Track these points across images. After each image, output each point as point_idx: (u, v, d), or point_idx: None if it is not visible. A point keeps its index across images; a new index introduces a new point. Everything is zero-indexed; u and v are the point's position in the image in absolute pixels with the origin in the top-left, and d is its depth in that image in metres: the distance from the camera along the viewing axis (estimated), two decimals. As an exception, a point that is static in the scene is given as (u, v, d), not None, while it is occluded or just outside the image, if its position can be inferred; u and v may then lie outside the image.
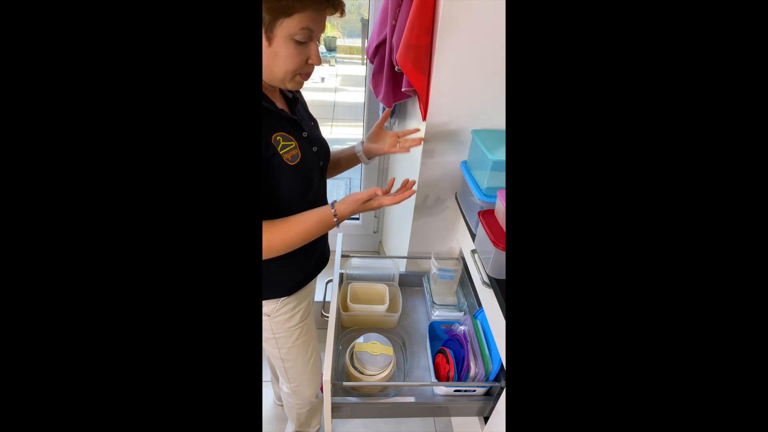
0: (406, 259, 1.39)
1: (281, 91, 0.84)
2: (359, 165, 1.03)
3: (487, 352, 1.03)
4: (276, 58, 0.68)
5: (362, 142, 1.01)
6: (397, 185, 0.85)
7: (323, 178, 0.90)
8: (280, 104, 0.81)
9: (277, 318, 0.92)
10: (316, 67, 0.75)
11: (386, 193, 0.80)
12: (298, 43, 0.68)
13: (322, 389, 1.06)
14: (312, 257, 0.93)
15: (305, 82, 0.77)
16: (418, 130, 1.01)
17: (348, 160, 1.02)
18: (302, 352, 1.00)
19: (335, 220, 0.79)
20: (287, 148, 0.76)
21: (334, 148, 0.96)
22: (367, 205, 0.80)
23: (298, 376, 1.04)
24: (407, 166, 1.35)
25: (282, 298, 0.90)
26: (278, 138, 0.75)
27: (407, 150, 0.99)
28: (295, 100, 0.85)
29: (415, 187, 0.84)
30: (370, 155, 1.01)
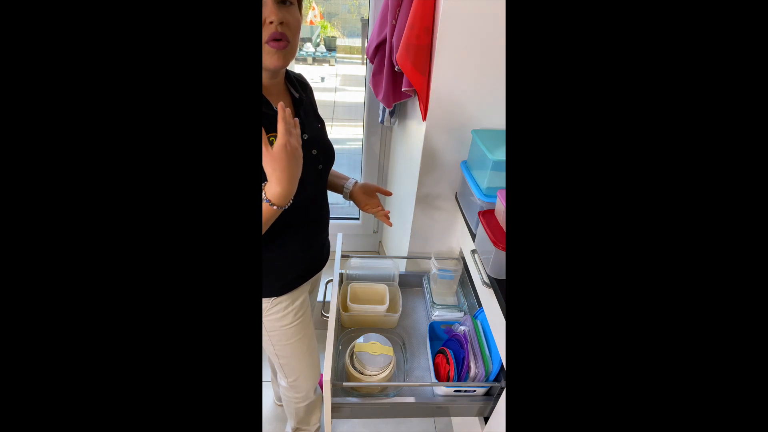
0: (406, 259, 1.39)
1: (288, 91, 0.82)
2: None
3: (487, 352, 1.03)
4: None
5: (356, 182, 1.01)
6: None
7: (321, 180, 0.89)
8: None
9: (270, 317, 0.92)
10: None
11: None
12: None
13: (321, 386, 1.06)
14: (304, 258, 0.92)
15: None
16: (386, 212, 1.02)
17: (335, 186, 1.01)
18: (298, 349, 1.00)
19: (267, 202, 0.66)
20: None
21: (339, 165, 0.96)
22: (275, 149, 0.62)
23: (294, 371, 1.04)
24: (407, 166, 1.35)
25: (272, 298, 0.89)
26: (272, 139, 0.73)
27: (383, 218, 1.01)
28: (301, 100, 0.82)
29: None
30: (355, 200, 1.00)
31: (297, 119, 0.67)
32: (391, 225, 1.02)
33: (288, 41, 0.69)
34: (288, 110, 0.64)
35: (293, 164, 0.64)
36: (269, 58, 0.69)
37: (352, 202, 1.01)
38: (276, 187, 0.65)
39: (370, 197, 1.00)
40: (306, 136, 0.80)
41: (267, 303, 0.90)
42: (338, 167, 1.00)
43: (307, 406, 1.15)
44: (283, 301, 0.91)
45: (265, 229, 0.71)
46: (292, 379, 1.06)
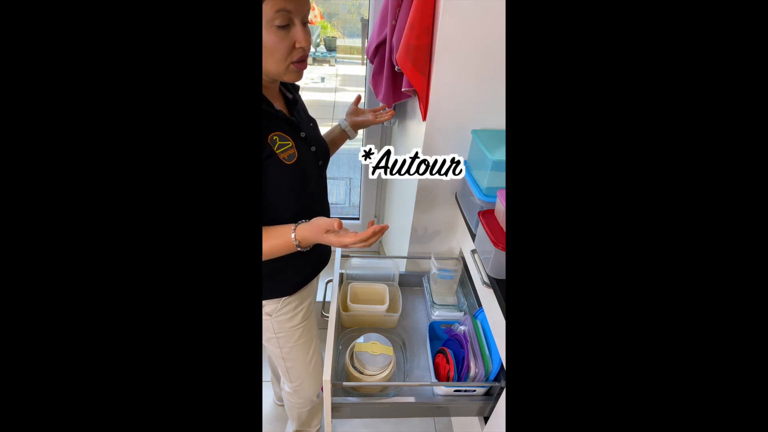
0: (406, 259, 1.39)
1: (282, 93, 0.85)
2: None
3: (487, 352, 1.03)
4: (262, 50, 0.68)
5: (344, 119, 1.05)
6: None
7: (322, 177, 0.91)
8: (279, 105, 0.81)
9: (279, 318, 0.92)
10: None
11: (340, 228, 0.74)
12: (280, 28, 0.67)
13: (323, 389, 1.06)
14: (310, 257, 0.92)
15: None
16: (390, 111, 1.07)
17: (340, 136, 1.05)
18: (303, 352, 1.01)
19: (296, 245, 0.75)
20: (283, 147, 0.76)
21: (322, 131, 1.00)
22: (325, 237, 0.74)
23: (299, 376, 1.05)
24: (407, 166, 1.35)
25: (283, 298, 0.91)
26: (274, 138, 0.75)
27: (388, 118, 1.05)
28: (294, 101, 0.85)
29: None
30: (356, 128, 1.05)
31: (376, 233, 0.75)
32: (393, 113, 1.06)
33: (307, 59, 0.75)
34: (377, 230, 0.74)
35: (324, 242, 0.75)
36: (292, 75, 0.74)
37: (352, 132, 1.06)
38: (309, 237, 0.75)
39: (361, 114, 1.05)
40: (303, 135, 0.82)
41: (277, 303, 0.91)
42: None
43: (309, 410, 1.16)
44: (293, 301, 0.93)
45: (274, 256, 0.77)
46: (296, 383, 1.07)
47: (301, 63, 0.73)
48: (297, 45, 0.69)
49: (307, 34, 0.71)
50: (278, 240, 0.75)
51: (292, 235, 0.75)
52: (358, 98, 1.06)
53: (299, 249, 0.76)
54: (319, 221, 0.74)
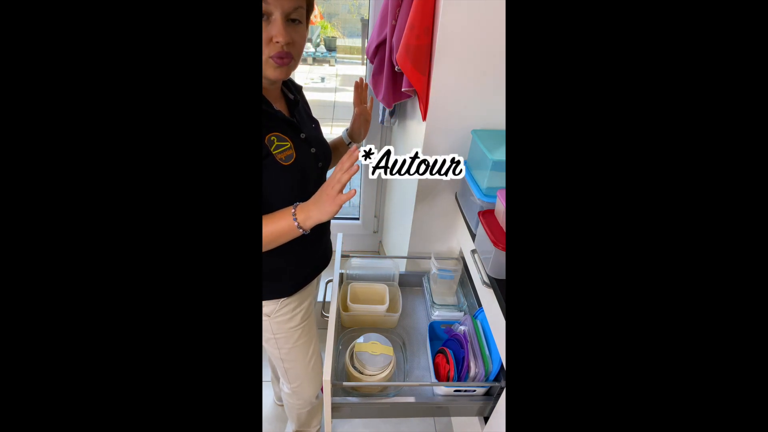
0: (406, 259, 1.39)
1: (283, 93, 0.84)
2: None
3: (487, 352, 1.03)
4: None
5: (346, 130, 1.05)
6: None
7: (322, 178, 0.90)
8: (279, 105, 0.81)
9: (278, 318, 0.92)
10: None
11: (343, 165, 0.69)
12: None
13: (322, 390, 1.06)
14: (313, 257, 0.93)
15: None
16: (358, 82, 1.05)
17: (344, 147, 1.05)
18: (303, 353, 1.00)
19: (293, 212, 0.72)
20: (281, 148, 0.76)
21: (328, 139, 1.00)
22: (330, 196, 0.69)
23: (298, 377, 1.05)
24: (407, 166, 1.35)
25: (282, 299, 0.90)
26: (272, 138, 0.75)
27: (369, 107, 1.04)
28: (296, 101, 0.85)
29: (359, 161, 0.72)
30: (358, 140, 1.05)
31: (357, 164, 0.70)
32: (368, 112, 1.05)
33: (292, 58, 0.71)
34: (356, 153, 0.70)
35: (335, 202, 0.70)
36: (272, 71, 0.71)
37: (351, 140, 1.06)
38: (310, 203, 0.71)
39: (360, 117, 1.03)
40: (303, 135, 0.81)
41: (276, 304, 0.90)
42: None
43: (308, 411, 1.16)
44: (292, 302, 0.92)
45: (276, 238, 0.74)
46: (295, 384, 1.07)
47: (281, 59, 0.69)
48: (274, 39, 0.67)
49: (291, 31, 0.68)
50: (277, 220, 0.73)
51: (293, 207, 0.72)
52: (358, 83, 1.03)
53: (297, 223, 0.72)
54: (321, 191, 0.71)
